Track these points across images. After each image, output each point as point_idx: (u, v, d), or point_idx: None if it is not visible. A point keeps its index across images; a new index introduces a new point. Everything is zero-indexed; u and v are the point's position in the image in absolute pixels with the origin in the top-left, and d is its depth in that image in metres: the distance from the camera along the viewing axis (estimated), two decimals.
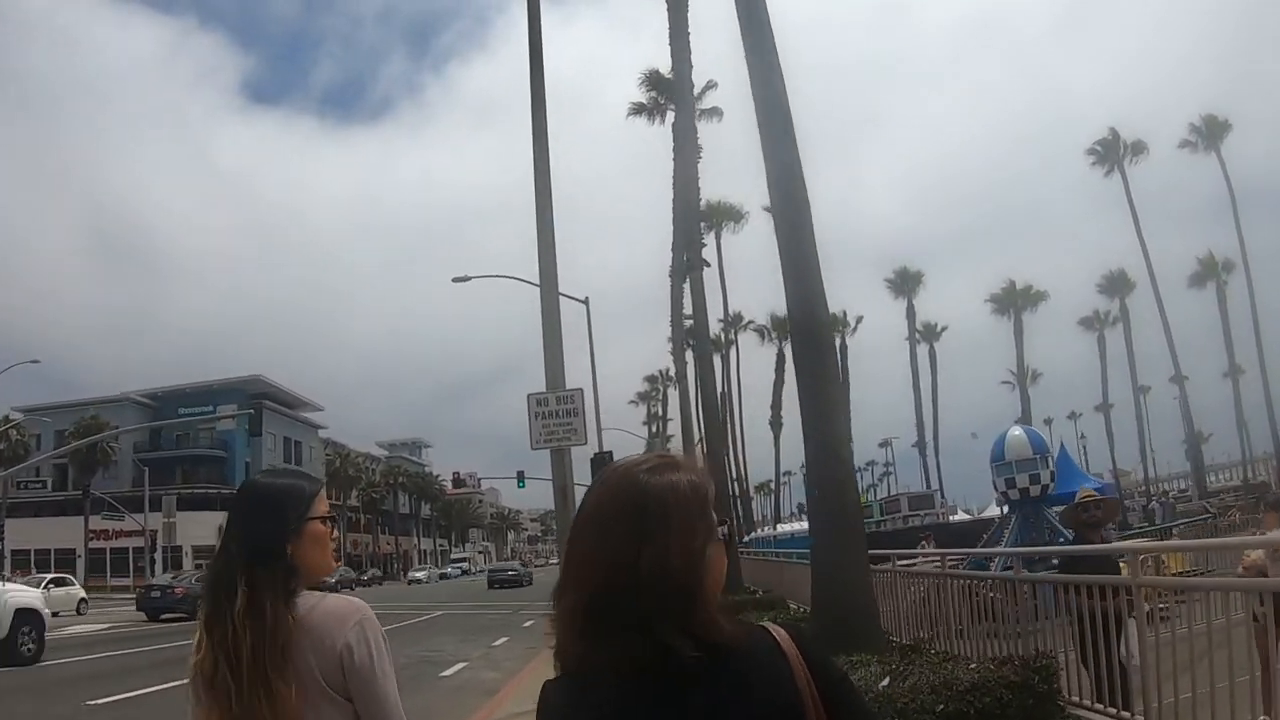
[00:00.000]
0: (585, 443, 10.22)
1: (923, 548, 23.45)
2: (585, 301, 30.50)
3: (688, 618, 1.20)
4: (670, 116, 29.90)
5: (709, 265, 18.00)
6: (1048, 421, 70.03)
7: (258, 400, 78.03)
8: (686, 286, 29.84)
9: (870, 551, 10.82)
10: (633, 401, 75.91)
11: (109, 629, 27.03)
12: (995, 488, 17.18)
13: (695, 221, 17.78)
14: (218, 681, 1.78)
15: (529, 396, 10.29)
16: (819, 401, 9.39)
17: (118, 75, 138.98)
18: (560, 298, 11.01)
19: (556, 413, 10.18)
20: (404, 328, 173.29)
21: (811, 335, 9.48)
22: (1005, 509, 17.13)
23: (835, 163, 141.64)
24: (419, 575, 76.48)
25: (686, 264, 18.65)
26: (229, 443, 76.18)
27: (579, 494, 10.02)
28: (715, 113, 33.62)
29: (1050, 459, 16.07)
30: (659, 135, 32.60)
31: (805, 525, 39.17)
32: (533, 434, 10.36)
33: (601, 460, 29.41)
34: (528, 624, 23.19)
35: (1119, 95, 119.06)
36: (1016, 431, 16.21)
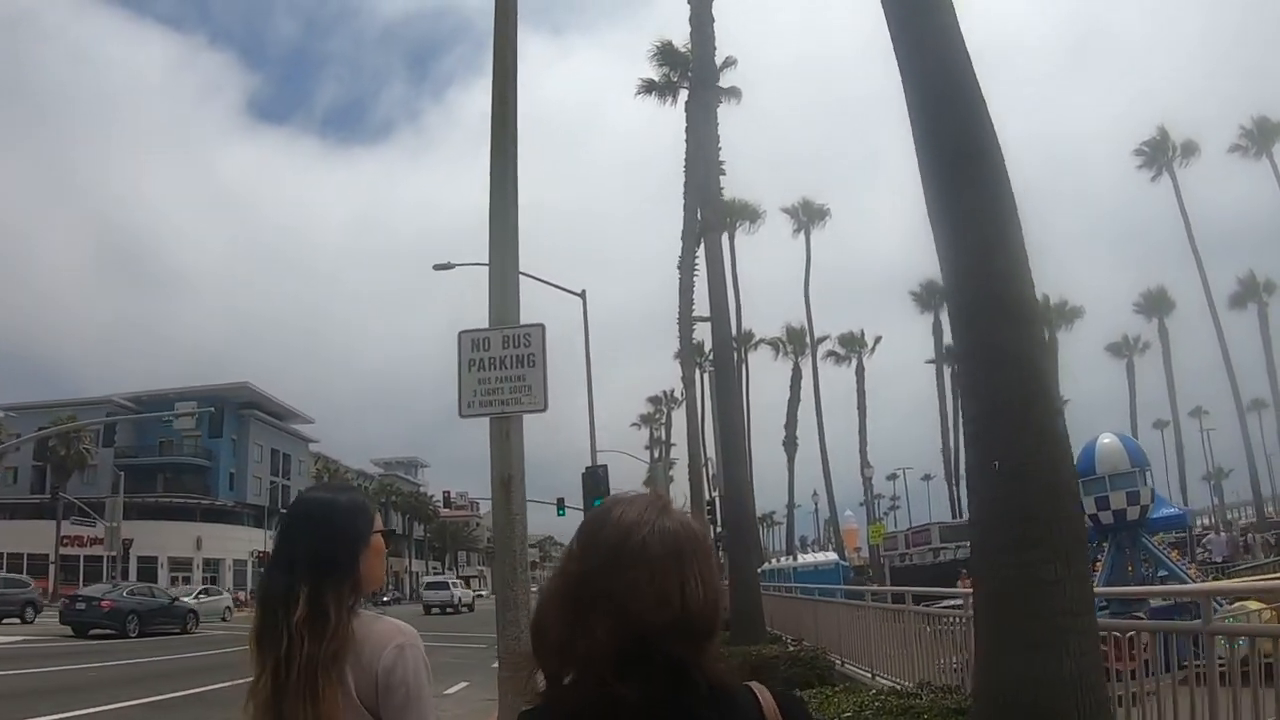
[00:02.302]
0: (543, 408, 6.90)
1: (963, 585, 20.18)
2: (582, 295, 27.56)
3: (705, 658, 1.26)
4: (684, 96, 27.02)
5: (726, 229, 14.77)
6: None
7: (246, 409, 75.97)
8: (697, 277, 26.65)
9: (902, 588, 9.62)
10: (635, 425, 72.51)
11: (19, 643, 23.54)
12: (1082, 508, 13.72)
13: (714, 178, 14.90)
14: (261, 693, 1.78)
15: (460, 335, 7.08)
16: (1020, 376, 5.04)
17: (129, 90, 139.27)
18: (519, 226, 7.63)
19: (501, 361, 6.94)
20: (403, 349, 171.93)
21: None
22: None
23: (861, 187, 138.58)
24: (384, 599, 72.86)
25: (701, 225, 15.53)
26: (213, 452, 73.38)
27: (545, 490, 6.68)
28: (734, 93, 30.37)
29: (1149, 474, 12.76)
30: (668, 154, 29.50)
31: (829, 556, 35.72)
32: (462, 393, 6.70)
33: (595, 476, 26.30)
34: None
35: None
36: (1109, 439, 12.91)
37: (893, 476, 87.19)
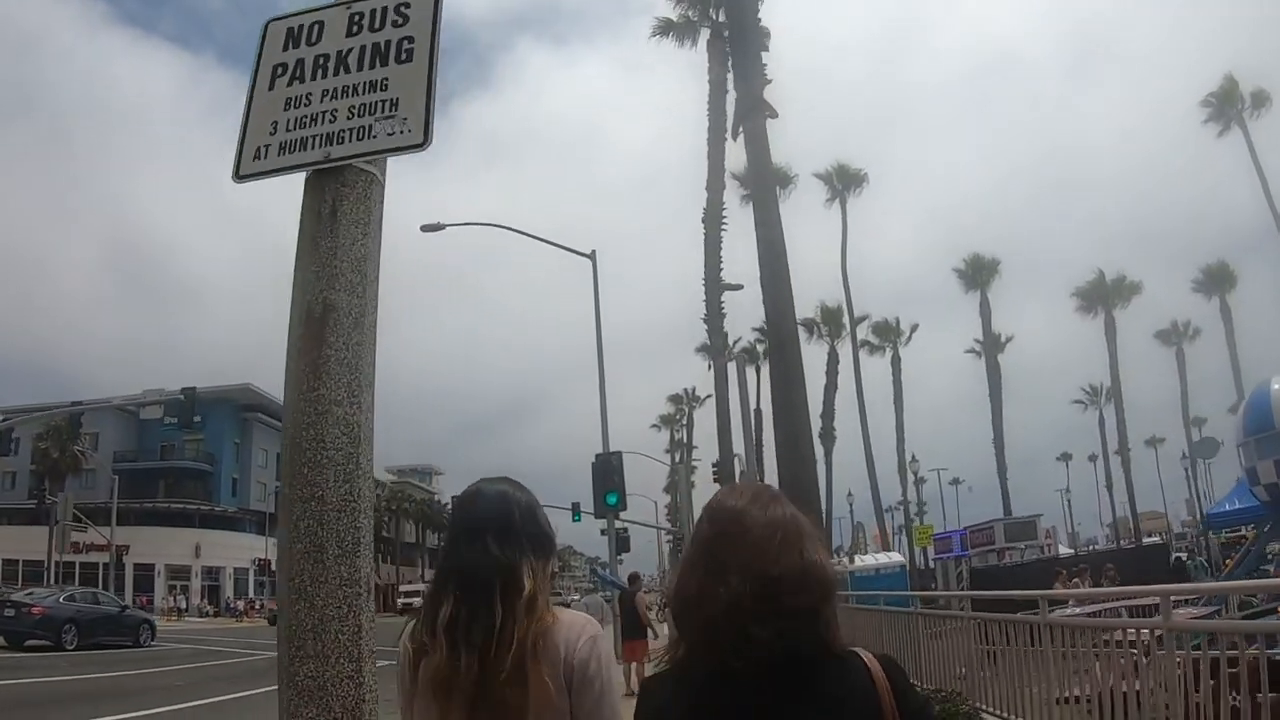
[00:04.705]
0: (421, 142, 3.13)
1: (1061, 587, 16.25)
2: (591, 256, 23.87)
3: (827, 611, 1.42)
4: (704, 36, 23.42)
5: (777, 115, 11.02)
6: (1117, 453, 62.04)
7: (249, 411, 72.91)
8: (725, 232, 22.90)
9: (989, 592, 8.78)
10: (655, 426, 68.47)
11: None
12: (1252, 476, 10.08)
13: (755, 58, 11.41)
14: (462, 681, 1.70)
15: (267, 27, 3.30)
16: None
17: (139, 107, 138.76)
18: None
19: (343, 61, 3.25)
20: (417, 362, 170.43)
21: None
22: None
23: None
24: None
25: (739, 110, 11.79)
26: (215, 456, 70.50)
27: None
28: (764, 33, 26.46)
29: None
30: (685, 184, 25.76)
31: (893, 557, 31.38)
32: (248, 133, 3.11)
33: (607, 464, 22.40)
34: None
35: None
36: None
37: (921, 480, 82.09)
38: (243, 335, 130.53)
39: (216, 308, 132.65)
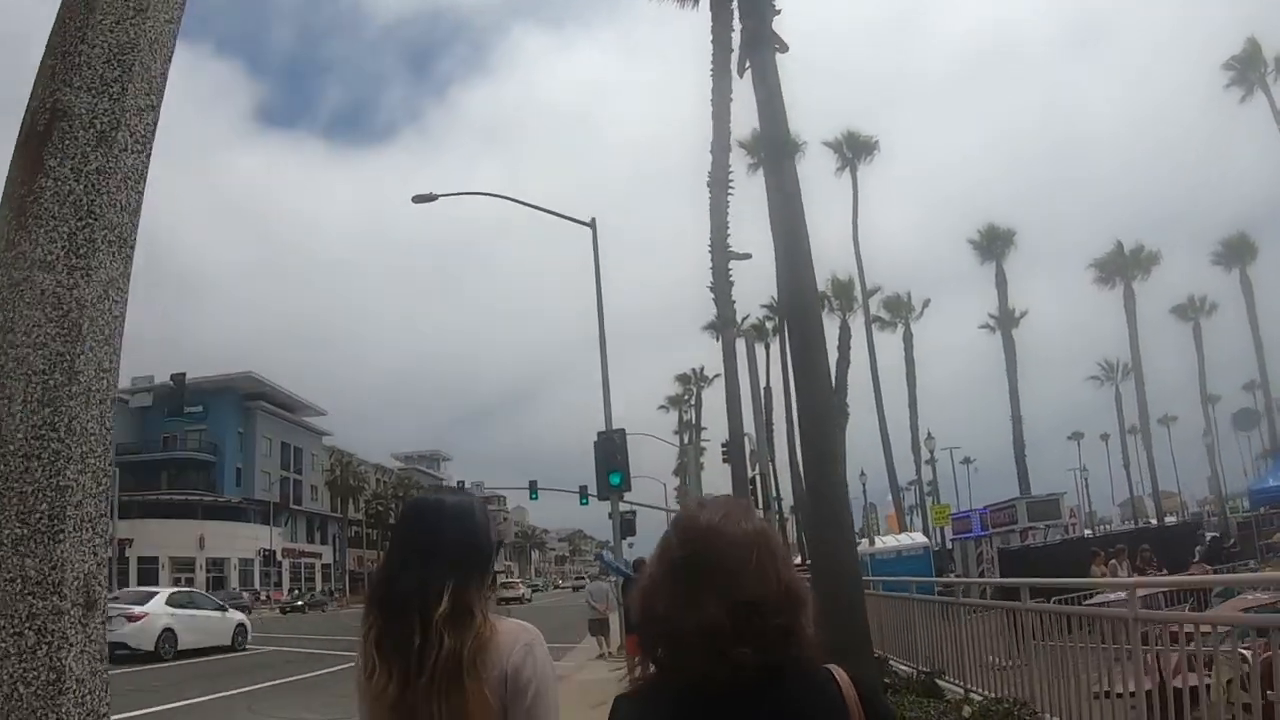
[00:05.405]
0: None
1: (1101, 572, 15.07)
2: (591, 224, 22.73)
3: (803, 626, 1.41)
4: None
5: (787, 48, 9.68)
6: (1132, 431, 60.53)
7: (252, 400, 71.98)
8: (731, 196, 21.54)
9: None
10: (662, 407, 66.94)
11: None
12: None
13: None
14: (389, 697, 1.69)
15: None
16: None
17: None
18: None
19: None
20: (422, 347, 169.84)
21: None
22: None
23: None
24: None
25: (745, 39, 10.46)
26: (219, 447, 69.59)
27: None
28: None
29: None
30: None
31: (916, 539, 29.82)
32: None
33: (610, 442, 21.14)
34: None
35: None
36: None
37: (929, 461, 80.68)
38: (244, 323, 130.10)
39: (217, 297, 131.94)
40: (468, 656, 1.67)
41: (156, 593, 22.93)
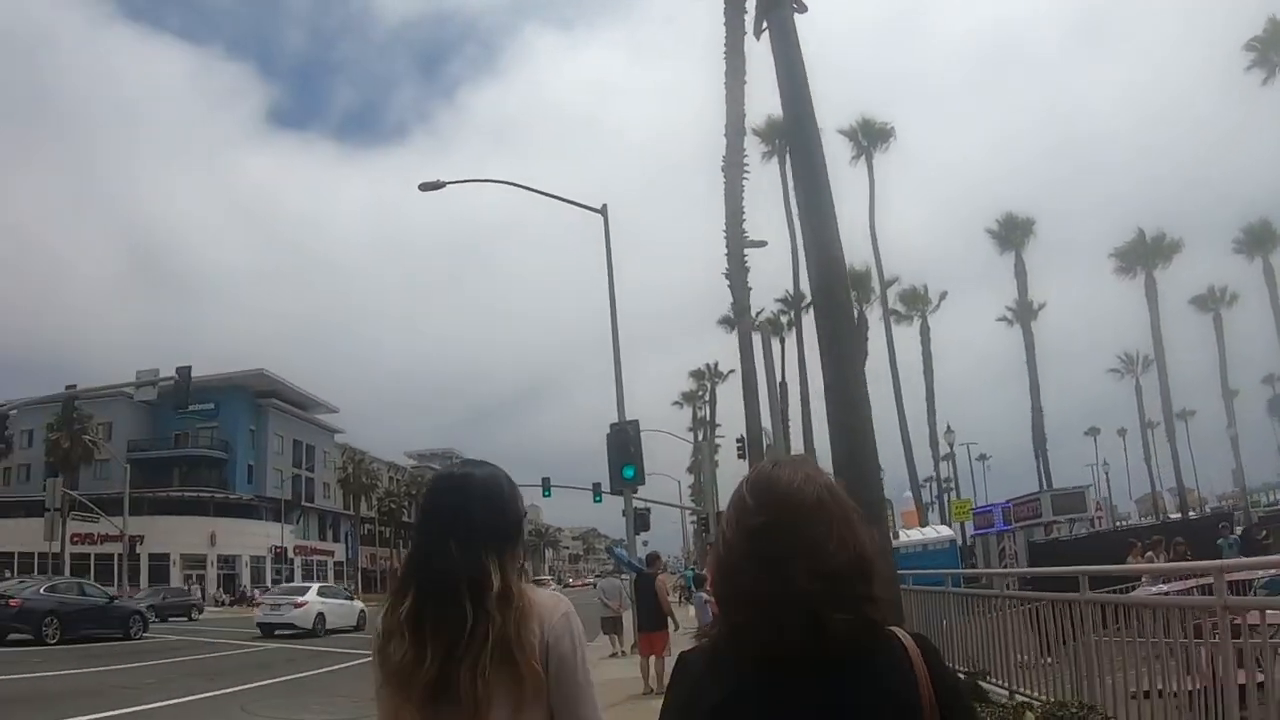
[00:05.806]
0: None
1: (1135, 561, 14.45)
2: (603, 211, 22.20)
3: (877, 592, 1.39)
4: None
5: (806, 8, 9.11)
6: (1151, 425, 59.69)
7: (264, 397, 71.84)
8: (746, 180, 20.95)
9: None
10: (677, 403, 66.45)
11: None
12: None
13: None
14: (424, 674, 1.68)
15: None
16: None
17: (149, 101, 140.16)
18: None
19: None
20: (434, 348, 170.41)
21: None
22: None
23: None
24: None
25: (761, 2, 9.90)
26: (230, 444, 69.54)
27: None
28: None
29: None
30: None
31: (942, 532, 29.05)
32: None
33: (623, 434, 20.54)
34: None
35: None
36: None
37: (948, 456, 79.84)
38: (256, 322, 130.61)
39: (229, 296, 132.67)
40: (513, 631, 1.68)
41: (309, 586, 29.90)
